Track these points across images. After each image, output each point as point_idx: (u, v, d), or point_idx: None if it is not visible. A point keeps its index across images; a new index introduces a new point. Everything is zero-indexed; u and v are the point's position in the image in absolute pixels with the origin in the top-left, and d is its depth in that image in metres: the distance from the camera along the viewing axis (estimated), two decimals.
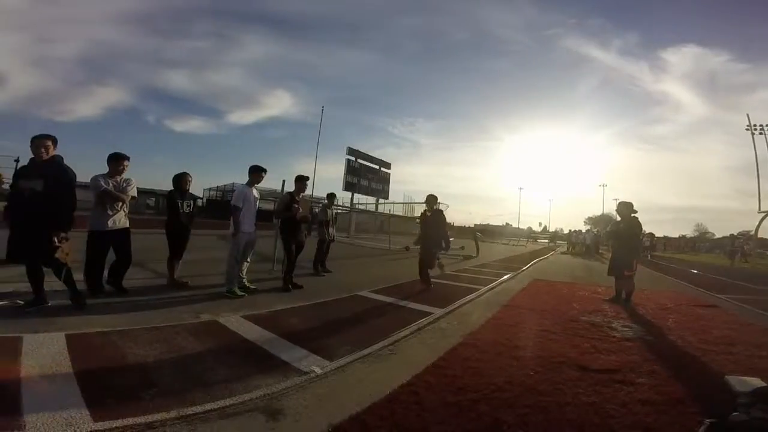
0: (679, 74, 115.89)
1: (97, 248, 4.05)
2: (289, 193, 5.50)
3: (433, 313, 4.43)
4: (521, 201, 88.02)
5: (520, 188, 76.69)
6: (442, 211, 6.84)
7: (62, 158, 3.49)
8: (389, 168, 31.97)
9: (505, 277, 8.44)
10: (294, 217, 5.32)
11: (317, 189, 28.38)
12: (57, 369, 2.31)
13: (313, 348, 3.03)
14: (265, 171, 5.02)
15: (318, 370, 2.59)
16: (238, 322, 3.57)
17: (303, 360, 2.78)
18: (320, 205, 8.57)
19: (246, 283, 4.93)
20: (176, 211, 4.89)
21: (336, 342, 3.23)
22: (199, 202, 5.41)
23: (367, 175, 28.92)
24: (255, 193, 5.01)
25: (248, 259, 5.01)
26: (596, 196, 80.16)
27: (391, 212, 30.77)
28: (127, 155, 4.26)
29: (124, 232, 4.21)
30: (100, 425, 1.76)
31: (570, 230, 30.05)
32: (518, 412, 2.18)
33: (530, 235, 39.00)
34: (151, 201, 30.02)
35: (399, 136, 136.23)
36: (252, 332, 3.33)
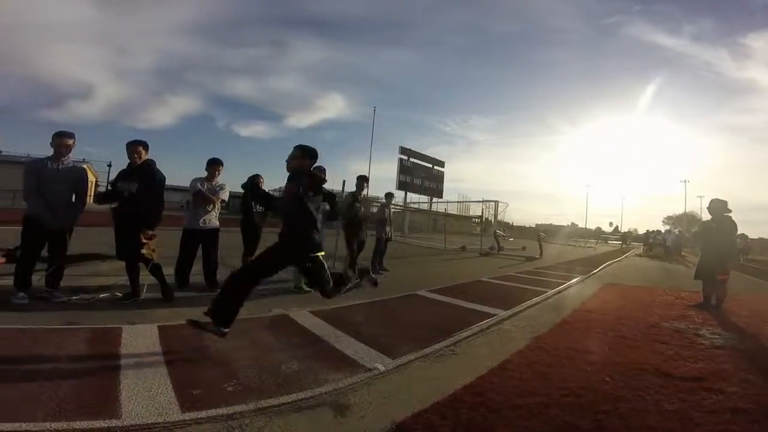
0: (766, 60, 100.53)
1: (188, 244, 4.46)
2: (352, 192, 5.68)
3: (496, 315, 4.32)
4: (588, 199, 79.01)
5: (587, 185, 70.23)
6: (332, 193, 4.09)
7: (154, 162, 3.85)
8: (443, 166, 31.60)
9: (574, 280, 7.95)
10: (356, 216, 5.48)
11: (371, 188, 28.88)
12: (151, 359, 2.52)
13: (376, 345, 3.05)
14: (323, 172, 5.20)
15: (381, 368, 2.63)
16: (305, 317, 3.74)
17: (366, 356, 2.81)
18: (379, 203, 8.73)
19: None
20: (250, 211, 5.24)
21: (397, 340, 3.26)
22: None
23: (420, 173, 28.84)
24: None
25: None
26: (676, 194, 71.88)
27: (446, 211, 30.42)
28: (221, 160, 4.68)
29: (213, 232, 4.58)
30: (187, 416, 1.87)
31: (647, 231, 27.41)
32: (593, 418, 2.07)
33: (600, 235, 36.18)
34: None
35: (452, 134, 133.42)
36: (319, 327, 3.46)
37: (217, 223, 4.63)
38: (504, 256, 13.15)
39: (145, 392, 2.05)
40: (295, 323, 3.57)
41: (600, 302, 5.63)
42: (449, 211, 30.87)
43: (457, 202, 33.34)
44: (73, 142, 3.68)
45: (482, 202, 26.60)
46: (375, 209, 7.88)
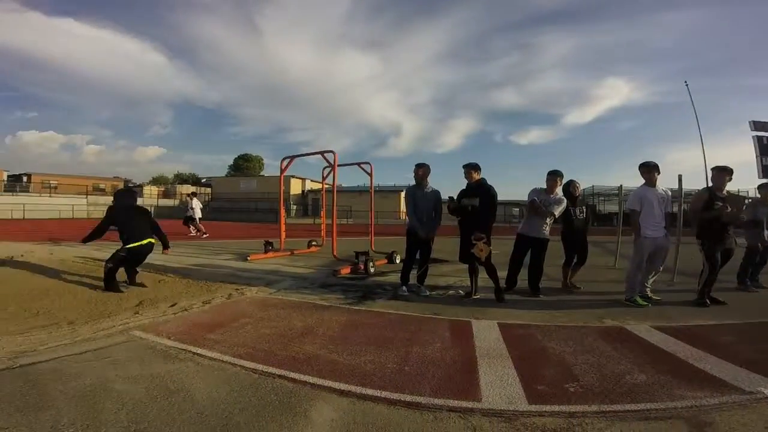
0: None
1: (518, 249, 4.87)
2: (708, 188, 4.49)
3: None
4: None
5: None
6: None
7: (485, 180, 4.51)
8: None
9: None
10: (718, 218, 4.28)
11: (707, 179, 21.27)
12: (498, 351, 2.80)
13: (757, 369, 2.47)
14: (654, 167, 4.35)
15: None
16: (648, 332, 3.32)
17: (743, 378, 2.36)
18: (750, 200, 6.38)
19: (649, 293, 4.45)
20: (570, 219, 5.04)
21: None
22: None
23: None
24: (660, 191, 4.34)
25: (659, 268, 4.48)
26: None
27: None
28: (560, 172, 4.70)
29: (543, 242, 4.70)
30: (533, 407, 2.01)
31: None
32: None
33: None
34: (516, 211, 33.02)
35: None
36: (667, 343, 3.02)
37: (547, 234, 4.70)
38: None
39: (498, 381, 2.31)
40: (634, 336, 3.23)
41: None
42: None
43: None
44: (423, 171, 4.83)
45: None
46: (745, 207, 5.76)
